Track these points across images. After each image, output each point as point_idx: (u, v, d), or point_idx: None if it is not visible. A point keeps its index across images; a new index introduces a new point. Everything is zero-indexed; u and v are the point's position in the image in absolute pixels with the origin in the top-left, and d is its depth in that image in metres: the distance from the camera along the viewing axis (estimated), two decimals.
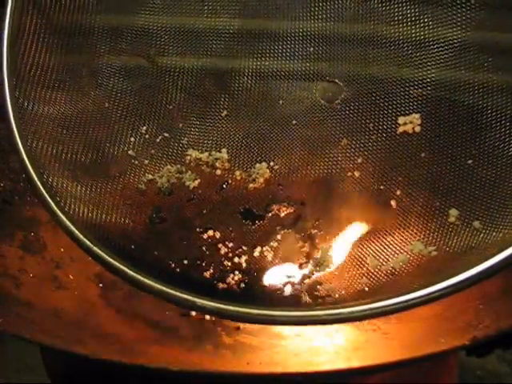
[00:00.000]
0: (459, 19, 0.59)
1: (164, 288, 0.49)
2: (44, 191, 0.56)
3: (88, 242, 0.52)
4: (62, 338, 0.51)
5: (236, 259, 0.62)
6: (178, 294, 0.48)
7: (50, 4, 0.63)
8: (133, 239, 0.59)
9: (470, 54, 0.59)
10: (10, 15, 0.60)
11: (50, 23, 0.63)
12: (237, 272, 0.61)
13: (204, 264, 0.62)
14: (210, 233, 0.64)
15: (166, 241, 0.64)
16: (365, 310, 0.46)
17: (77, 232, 0.53)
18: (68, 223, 0.54)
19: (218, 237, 0.64)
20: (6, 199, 0.66)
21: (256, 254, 0.62)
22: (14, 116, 0.58)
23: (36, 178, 0.56)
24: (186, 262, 0.62)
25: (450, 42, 0.60)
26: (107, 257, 0.51)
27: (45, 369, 0.61)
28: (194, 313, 0.59)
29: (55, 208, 0.55)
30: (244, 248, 0.63)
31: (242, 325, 0.58)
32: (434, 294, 0.45)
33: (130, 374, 0.50)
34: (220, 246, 0.63)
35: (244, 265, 0.62)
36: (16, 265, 0.60)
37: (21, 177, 0.68)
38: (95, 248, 0.52)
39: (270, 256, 0.62)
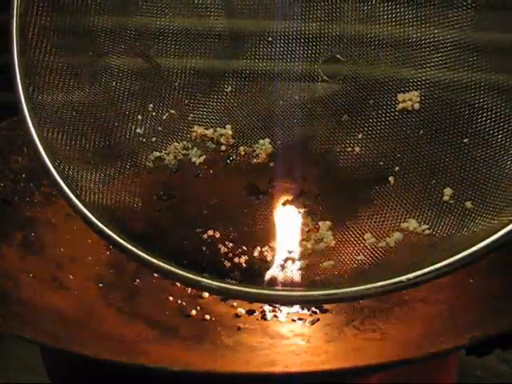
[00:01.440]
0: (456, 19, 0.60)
1: (172, 268, 0.49)
2: (58, 177, 0.56)
3: (102, 226, 0.53)
4: (61, 338, 0.50)
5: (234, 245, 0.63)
6: (184, 273, 0.49)
7: None
8: (142, 218, 0.60)
9: (467, 53, 0.60)
10: (17, 7, 0.60)
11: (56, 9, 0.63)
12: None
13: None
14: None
15: (176, 218, 0.64)
16: (364, 290, 0.46)
17: (91, 216, 0.53)
18: (82, 207, 0.54)
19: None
20: (6, 199, 0.66)
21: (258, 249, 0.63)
22: (26, 103, 0.59)
23: (50, 164, 0.56)
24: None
25: (447, 40, 0.61)
26: (121, 240, 0.52)
27: (45, 369, 0.60)
28: (194, 312, 0.59)
29: (69, 193, 0.55)
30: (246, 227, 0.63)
31: (241, 325, 0.58)
32: (426, 276, 0.45)
33: (130, 374, 0.50)
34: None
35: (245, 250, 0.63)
36: (16, 265, 0.60)
37: (21, 177, 0.68)
38: (108, 230, 0.52)
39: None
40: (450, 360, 0.58)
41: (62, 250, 0.64)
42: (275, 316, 0.59)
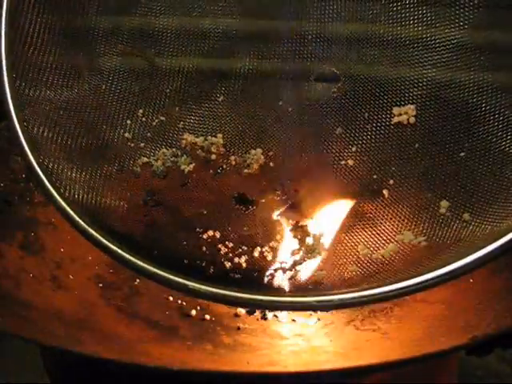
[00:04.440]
0: (457, 18, 0.59)
1: (160, 272, 0.49)
2: (41, 172, 0.56)
3: (84, 224, 0.53)
4: (62, 338, 0.50)
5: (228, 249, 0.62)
6: (173, 277, 0.49)
7: None
8: (127, 221, 0.60)
9: (467, 52, 0.60)
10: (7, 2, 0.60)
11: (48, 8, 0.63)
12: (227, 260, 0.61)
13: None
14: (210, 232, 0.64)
15: (161, 224, 0.64)
16: (355, 298, 0.46)
17: (72, 214, 0.53)
18: (64, 204, 0.54)
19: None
20: (6, 199, 0.66)
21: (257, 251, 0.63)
22: (11, 98, 0.58)
23: (33, 160, 0.56)
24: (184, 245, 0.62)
25: (447, 40, 0.61)
26: (103, 239, 0.52)
27: (45, 369, 0.60)
28: (194, 312, 0.59)
29: (52, 189, 0.55)
30: (238, 242, 0.63)
31: (241, 325, 0.58)
32: (422, 284, 0.45)
33: (130, 374, 0.50)
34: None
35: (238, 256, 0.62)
36: (16, 265, 0.60)
37: (21, 177, 0.68)
38: (91, 230, 0.52)
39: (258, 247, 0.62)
40: (450, 360, 0.58)
41: (62, 250, 0.64)
42: (275, 316, 0.59)
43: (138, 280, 0.63)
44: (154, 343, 0.55)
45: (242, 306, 0.57)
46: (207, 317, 0.59)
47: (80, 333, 0.53)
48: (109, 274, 0.63)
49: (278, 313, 0.59)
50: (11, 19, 0.60)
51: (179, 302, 0.61)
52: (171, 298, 0.61)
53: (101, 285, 0.62)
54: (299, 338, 0.56)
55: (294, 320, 0.59)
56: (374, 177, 0.62)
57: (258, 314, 0.59)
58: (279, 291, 0.56)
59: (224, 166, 0.68)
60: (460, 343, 0.46)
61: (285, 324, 0.58)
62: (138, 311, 0.59)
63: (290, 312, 0.59)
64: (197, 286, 0.48)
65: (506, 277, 0.55)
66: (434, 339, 0.51)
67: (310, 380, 0.47)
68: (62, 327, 0.53)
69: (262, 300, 0.48)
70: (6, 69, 0.59)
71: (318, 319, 0.58)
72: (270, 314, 0.59)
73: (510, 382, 0.79)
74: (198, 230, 0.63)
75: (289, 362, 0.53)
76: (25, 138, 0.57)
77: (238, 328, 0.58)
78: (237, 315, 0.59)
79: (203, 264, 0.60)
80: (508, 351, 0.51)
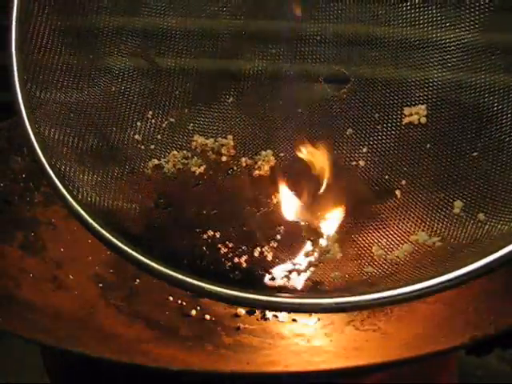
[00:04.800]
0: (468, 19, 0.59)
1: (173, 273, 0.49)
2: (53, 175, 0.56)
3: (99, 227, 0.53)
4: (62, 338, 0.50)
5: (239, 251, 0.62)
6: (186, 278, 0.49)
7: None
8: (139, 223, 0.60)
9: (478, 53, 0.59)
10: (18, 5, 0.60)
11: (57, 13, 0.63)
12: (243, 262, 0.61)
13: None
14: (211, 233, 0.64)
15: (172, 226, 0.64)
16: (376, 299, 0.46)
17: (87, 216, 0.53)
18: (78, 207, 0.54)
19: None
20: (6, 199, 0.66)
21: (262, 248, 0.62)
22: (23, 100, 0.58)
23: (45, 162, 0.56)
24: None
25: (458, 41, 0.60)
26: (116, 241, 0.52)
27: (45, 369, 0.60)
28: (194, 312, 0.59)
29: (65, 192, 0.55)
30: (246, 243, 0.63)
31: (241, 325, 0.58)
32: (439, 286, 0.45)
33: (130, 374, 0.50)
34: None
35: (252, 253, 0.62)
36: (16, 265, 0.60)
37: (21, 177, 0.68)
38: (106, 233, 0.52)
39: (273, 248, 0.62)
40: (450, 360, 0.58)
41: (62, 250, 0.64)
42: (275, 316, 0.59)
43: (138, 280, 0.63)
44: (154, 343, 0.55)
45: (256, 308, 0.57)
46: (207, 317, 0.59)
47: (80, 333, 0.53)
48: (109, 273, 0.63)
49: (277, 312, 0.59)
50: (21, 22, 0.60)
51: (179, 302, 0.61)
52: (171, 298, 0.61)
53: (101, 285, 0.62)
54: (299, 338, 0.56)
55: (294, 320, 0.59)
56: (386, 177, 0.62)
57: (257, 313, 0.59)
58: (300, 293, 0.56)
59: (235, 168, 0.68)
60: (460, 343, 0.46)
61: (285, 324, 0.58)
62: (138, 311, 0.59)
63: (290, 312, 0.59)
64: (211, 287, 0.48)
65: (506, 277, 0.55)
66: (434, 339, 0.51)
67: (310, 380, 0.47)
68: (62, 327, 0.53)
69: (274, 301, 0.48)
70: (17, 71, 0.59)
71: (318, 319, 0.58)
72: (269, 314, 0.59)
73: (510, 382, 0.79)
74: (210, 232, 0.63)
75: (289, 361, 0.53)
76: (37, 141, 0.57)
77: (238, 328, 0.58)
78: (237, 315, 0.59)
79: (219, 266, 0.60)
80: (508, 351, 0.51)
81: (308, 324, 0.58)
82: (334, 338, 0.55)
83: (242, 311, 0.59)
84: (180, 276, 0.49)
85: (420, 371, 0.54)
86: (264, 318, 0.59)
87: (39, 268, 0.61)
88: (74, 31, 0.65)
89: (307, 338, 0.56)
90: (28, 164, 0.68)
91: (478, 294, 0.54)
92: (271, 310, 0.56)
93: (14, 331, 0.50)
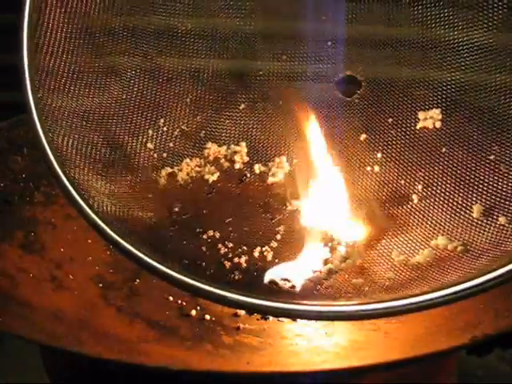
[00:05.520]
0: (482, 20, 0.59)
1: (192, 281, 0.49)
2: (68, 184, 0.56)
3: (114, 235, 0.52)
4: (61, 338, 0.50)
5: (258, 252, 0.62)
6: (207, 287, 0.49)
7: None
8: (154, 231, 0.59)
9: (493, 54, 0.59)
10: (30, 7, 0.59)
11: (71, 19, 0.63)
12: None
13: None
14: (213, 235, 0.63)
15: (188, 233, 0.64)
16: (401, 306, 0.46)
17: (103, 225, 0.53)
18: (95, 216, 0.54)
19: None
20: (6, 199, 0.66)
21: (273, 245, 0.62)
22: (35, 109, 0.58)
23: (59, 171, 0.56)
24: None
25: (472, 42, 0.60)
26: (134, 249, 0.51)
27: (45, 369, 0.60)
28: (194, 312, 0.59)
29: (80, 201, 0.55)
30: (264, 244, 0.63)
31: (241, 325, 0.58)
32: (465, 292, 0.45)
33: (130, 374, 0.50)
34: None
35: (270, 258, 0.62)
36: (16, 265, 0.60)
37: (21, 177, 0.68)
38: (123, 242, 0.52)
39: (292, 252, 0.62)
40: (450, 360, 0.58)
41: (62, 250, 0.64)
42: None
43: (138, 280, 0.63)
44: (154, 343, 0.55)
45: (274, 316, 0.57)
46: (207, 317, 0.59)
47: (80, 333, 0.53)
48: (109, 273, 0.63)
49: None
50: (32, 29, 0.60)
51: (179, 302, 0.61)
52: (171, 298, 0.61)
53: (101, 285, 0.62)
54: (299, 337, 0.56)
55: (294, 320, 0.58)
56: (402, 182, 0.62)
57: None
58: (321, 301, 0.56)
59: (248, 175, 0.68)
60: (460, 343, 0.46)
61: (285, 324, 0.58)
62: (138, 311, 0.59)
63: None
64: (231, 295, 0.48)
65: None
66: (434, 339, 0.50)
67: (309, 380, 0.47)
68: (62, 327, 0.53)
69: (293, 309, 0.48)
70: (29, 78, 0.59)
71: None
72: None
73: (510, 382, 0.79)
74: (225, 240, 0.63)
75: (289, 361, 0.53)
76: (50, 149, 0.57)
77: (238, 328, 0.58)
78: (237, 315, 0.59)
79: (236, 274, 0.61)
80: (508, 351, 0.51)
81: (308, 324, 0.58)
82: (334, 338, 0.55)
83: (242, 311, 0.59)
84: (214, 289, 0.49)
85: (420, 371, 0.54)
86: (264, 317, 0.59)
87: (39, 268, 0.61)
88: (84, 38, 0.64)
89: (307, 338, 0.56)
90: (28, 164, 0.68)
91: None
92: (293, 318, 0.55)
93: (13, 331, 0.50)
